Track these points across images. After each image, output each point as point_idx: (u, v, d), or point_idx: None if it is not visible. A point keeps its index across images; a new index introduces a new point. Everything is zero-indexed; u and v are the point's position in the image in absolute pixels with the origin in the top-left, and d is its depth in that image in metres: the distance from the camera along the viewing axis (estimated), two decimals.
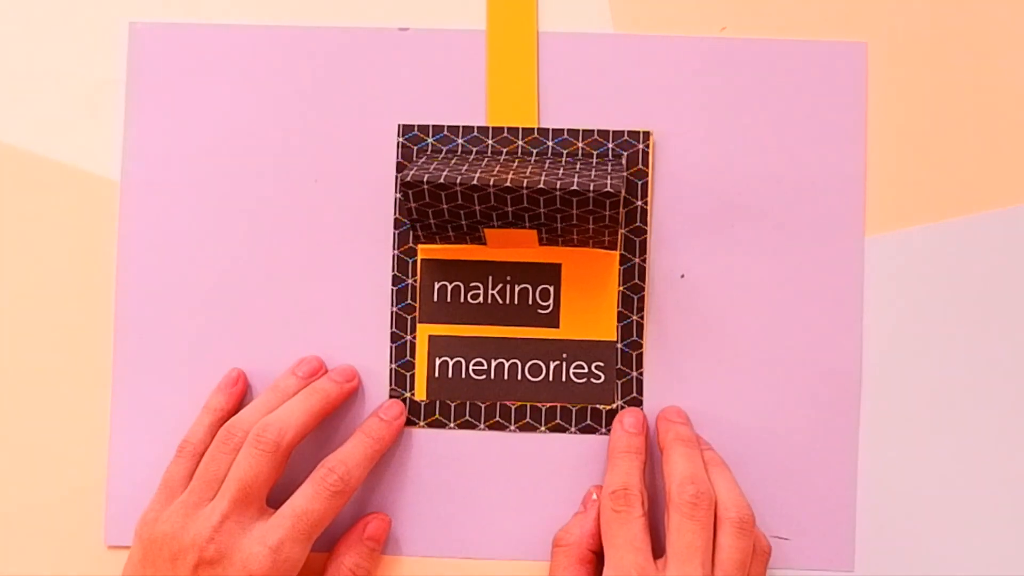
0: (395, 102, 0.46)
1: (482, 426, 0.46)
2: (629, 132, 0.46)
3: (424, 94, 0.46)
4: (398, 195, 0.46)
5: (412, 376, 0.46)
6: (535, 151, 0.46)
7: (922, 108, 0.46)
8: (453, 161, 0.44)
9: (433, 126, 0.46)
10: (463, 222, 0.43)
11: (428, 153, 0.46)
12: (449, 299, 0.46)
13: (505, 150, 0.46)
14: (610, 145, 0.46)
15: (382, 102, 0.46)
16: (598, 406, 0.46)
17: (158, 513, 0.42)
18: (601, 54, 0.46)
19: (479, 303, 0.46)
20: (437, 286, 0.46)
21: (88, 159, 0.47)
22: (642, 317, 0.46)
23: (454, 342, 0.46)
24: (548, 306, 0.46)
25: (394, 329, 0.46)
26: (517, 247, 0.45)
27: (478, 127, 0.46)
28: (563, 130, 0.46)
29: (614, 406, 0.46)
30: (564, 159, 0.46)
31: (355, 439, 0.44)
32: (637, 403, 0.46)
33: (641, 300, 0.46)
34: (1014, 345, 0.46)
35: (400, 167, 0.46)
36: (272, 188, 0.46)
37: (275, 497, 0.43)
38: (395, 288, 0.46)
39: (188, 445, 0.44)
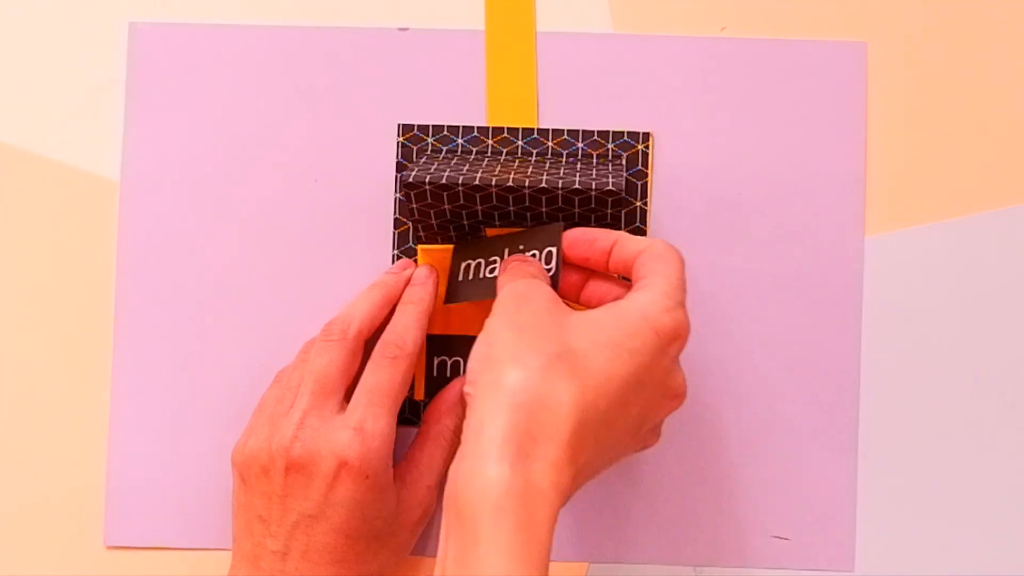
0: (395, 102, 0.46)
1: None
2: (629, 132, 0.46)
3: (424, 94, 0.46)
4: (398, 195, 0.46)
5: None
6: (535, 151, 0.46)
7: (922, 108, 0.46)
8: (454, 161, 0.44)
9: (433, 126, 0.46)
10: (464, 222, 0.43)
11: (428, 153, 0.46)
12: None
13: (505, 150, 0.46)
14: (610, 145, 0.46)
15: (382, 102, 0.46)
16: None
17: (248, 436, 0.42)
18: (601, 54, 0.46)
19: None
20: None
21: (88, 159, 0.47)
22: None
23: (453, 342, 0.46)
24: None
25: None
26: None
27: (478, 127, 0.46)
28: (563, 130, 0.46)
29: None
30: (564, 159, 0.46)
31: (400, 309, 0.43)
32: None
33: None
34: (1014, 345, 0.46)
35: (400, 167, 0.46)
36: (272, 188, 0.46)
37: None
38: None
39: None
